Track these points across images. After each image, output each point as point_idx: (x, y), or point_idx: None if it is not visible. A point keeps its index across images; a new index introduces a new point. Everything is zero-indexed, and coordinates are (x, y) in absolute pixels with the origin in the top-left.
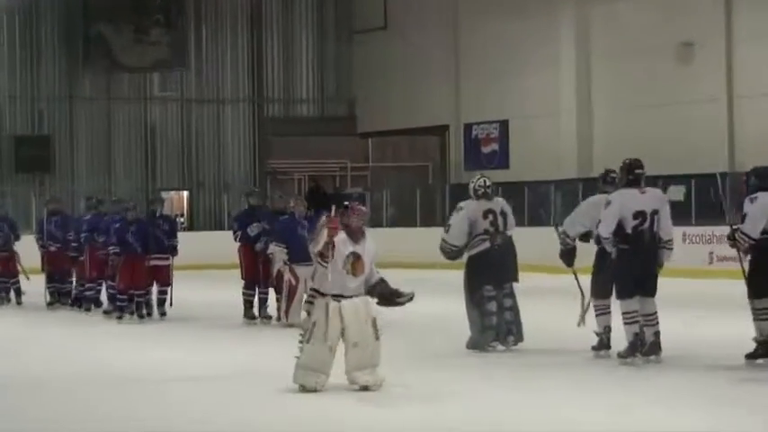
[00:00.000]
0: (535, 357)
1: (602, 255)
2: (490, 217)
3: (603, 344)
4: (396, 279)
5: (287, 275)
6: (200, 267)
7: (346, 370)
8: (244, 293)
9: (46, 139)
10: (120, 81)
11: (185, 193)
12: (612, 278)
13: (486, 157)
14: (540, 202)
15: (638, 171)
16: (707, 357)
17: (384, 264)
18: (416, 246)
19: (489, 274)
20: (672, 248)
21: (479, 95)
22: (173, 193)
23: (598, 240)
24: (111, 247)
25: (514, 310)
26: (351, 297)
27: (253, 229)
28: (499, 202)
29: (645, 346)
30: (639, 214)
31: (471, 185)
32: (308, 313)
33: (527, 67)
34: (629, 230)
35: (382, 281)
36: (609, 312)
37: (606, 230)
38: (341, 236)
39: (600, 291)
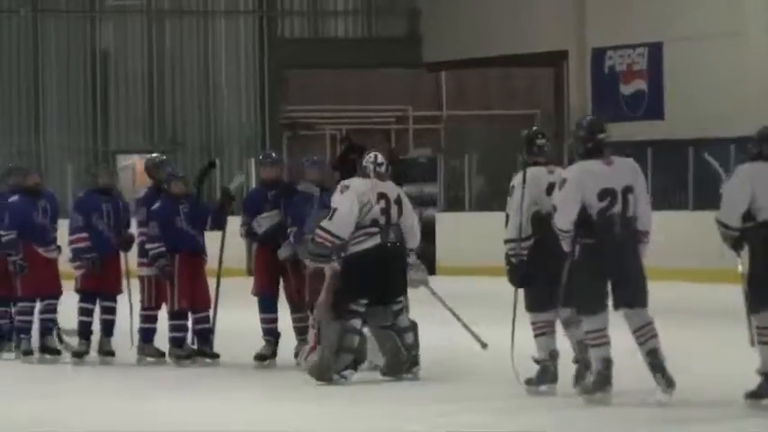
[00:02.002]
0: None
1: (537, 249)
2: (382, 203)
3: (549, 374)
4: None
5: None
6: None
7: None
8: (261, 319)
9: None
10: None
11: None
12: (575, 286)
13: (627, 100)
14: (710, 172)
15: (600, 135)
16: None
17: (465, 269)
18: None
19: (372, 282)
20: (648, 242)
21: (616, 3)
22: (135, 157)
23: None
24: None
25: (414, 330)
26: None
27: (260, 223)
28: (393, 187)
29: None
30: (607, 193)
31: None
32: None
33: None
34: (594, 217)
35: None
36: (553, 332)
37: (566, 221)
38: None
39: (534, 302)
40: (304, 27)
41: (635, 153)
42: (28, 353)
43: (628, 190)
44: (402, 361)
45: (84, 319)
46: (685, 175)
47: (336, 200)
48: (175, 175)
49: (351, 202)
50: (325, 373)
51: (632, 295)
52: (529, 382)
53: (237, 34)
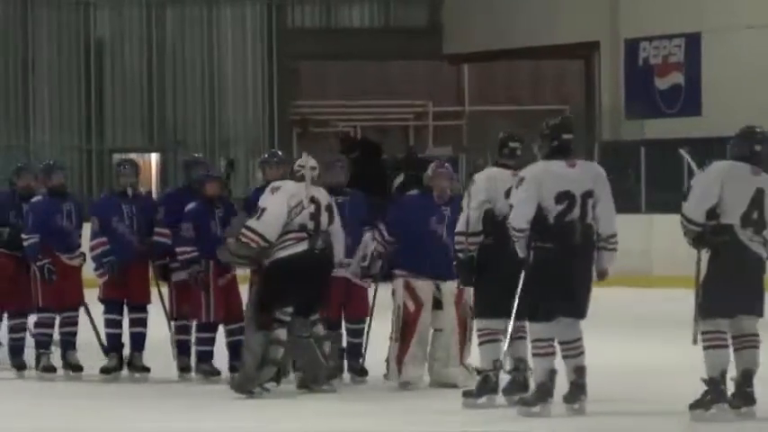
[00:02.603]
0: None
1: (490, 251)
2: (312, 208)
3: (489, 385)
4: None
5: (400, 296)
6: None
7: None
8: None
9: None
10: None
11: (153, 158)
12: (527, 292)
13: (662, 95)
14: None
15: (565, 136)
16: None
17: None
18: None
19: (298, 290)
20: (615, 249)
21: None
22: (133, 156)
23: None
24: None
25: (333, 340)
26: None
27: None
28: (325, 194)
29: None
30: (564, 196)
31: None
32: None
33: None
34: (551, 221)
35: None
36: (499, 340)
37: (522, 219)
38: None
39: (484, 307)
40: (316, 16)
41: (670, 151)
42: (49, 369)
43: (588, 195)
44: (320, 373)
45: (111, 331)
46: None
47: (266, 200)
48: (211, 175)
49: (281, 203)
50: (246, 385)
51: (577, 306)
52: (468, 394)
53: (244, 23)
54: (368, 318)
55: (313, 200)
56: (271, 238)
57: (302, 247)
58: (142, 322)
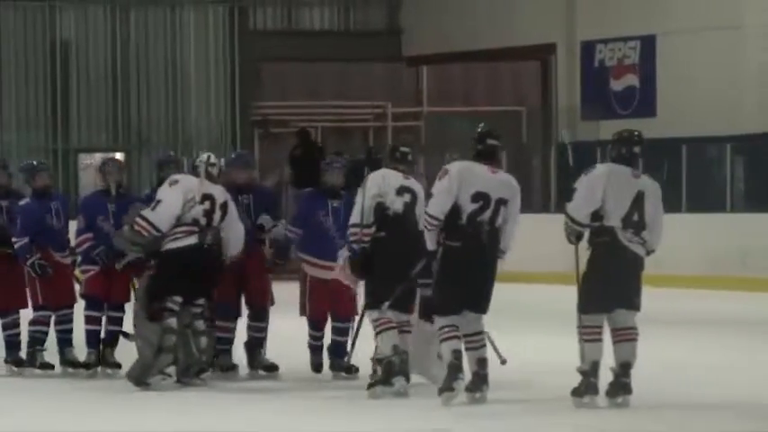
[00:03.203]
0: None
1: (382, 246)
2: (206, 204)
3: (395, 369)
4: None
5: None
6: None
7: None
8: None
9: None
10: None
11: (118, 157)
12: (434, 285)
13: (618, 97)
14: (705, 171)
15: (490, 141)
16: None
17: None
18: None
19: (185, 281)
20: (503, 258)
21: None
22: (97, 156)
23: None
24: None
25: (209, 335)
26: None
27: (267, 222)
28: (222, 192)
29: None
30: (481, 197)
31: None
32: None
33: None
34: (463, 221)
35: None
36: (394, 327)
37: (438, 209)
38: None
39: (374, 298)
40: (277, 18)
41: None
42: (47, 366)
43: (501, 201)
44: (192, 365)
45: (91, 327)
46: (679, 175)
47: (163, 192)
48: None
49: (176, 196)
50: (144, 375)
51: (480, 302)
52: (373, 384)
53: (207, 25)
54: (355, 317)
55: (208, 196)
56: (162, 228)
57: (191, 240)
58: (119, 321)
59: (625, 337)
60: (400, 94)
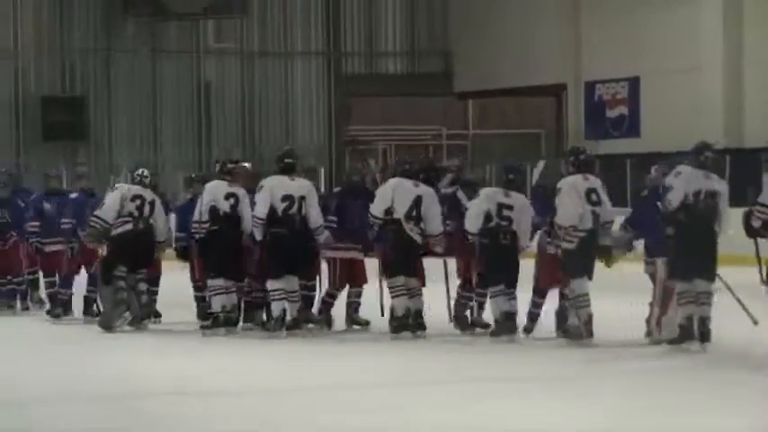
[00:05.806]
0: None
1: (210, 235)
2: (137, 202)
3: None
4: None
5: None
6: None
7: None
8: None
9: (79, 100)
10: (168, 30)
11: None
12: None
13: (612, 122)
14: None
15: (288, 160)
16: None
17: None
18: None
19: (127, 257)
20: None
21: (604, 47)
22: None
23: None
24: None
25: (149, 293)
26: None
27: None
28: (151, 194)
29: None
30: (287, 198)
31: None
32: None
33: (663, 12)
34: (279, 213)
35: None
36: (223, 293)
37: (262, 210)
38: None
39: (210, 271)
40: (362, 65)
41: (617, 164)
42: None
43: (302, 198)
44: (137, 315)
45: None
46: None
47: (107, 196)
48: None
49: (115, 199)
50: (109, 323)
51: (300, 268)
52: (205, 327)
53: (310, 70)
54: (366, 284)
55: (138, 197)
56: (108, 220)
57: (128, 227)
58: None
59: (416, 293)
60: (452, 120)
